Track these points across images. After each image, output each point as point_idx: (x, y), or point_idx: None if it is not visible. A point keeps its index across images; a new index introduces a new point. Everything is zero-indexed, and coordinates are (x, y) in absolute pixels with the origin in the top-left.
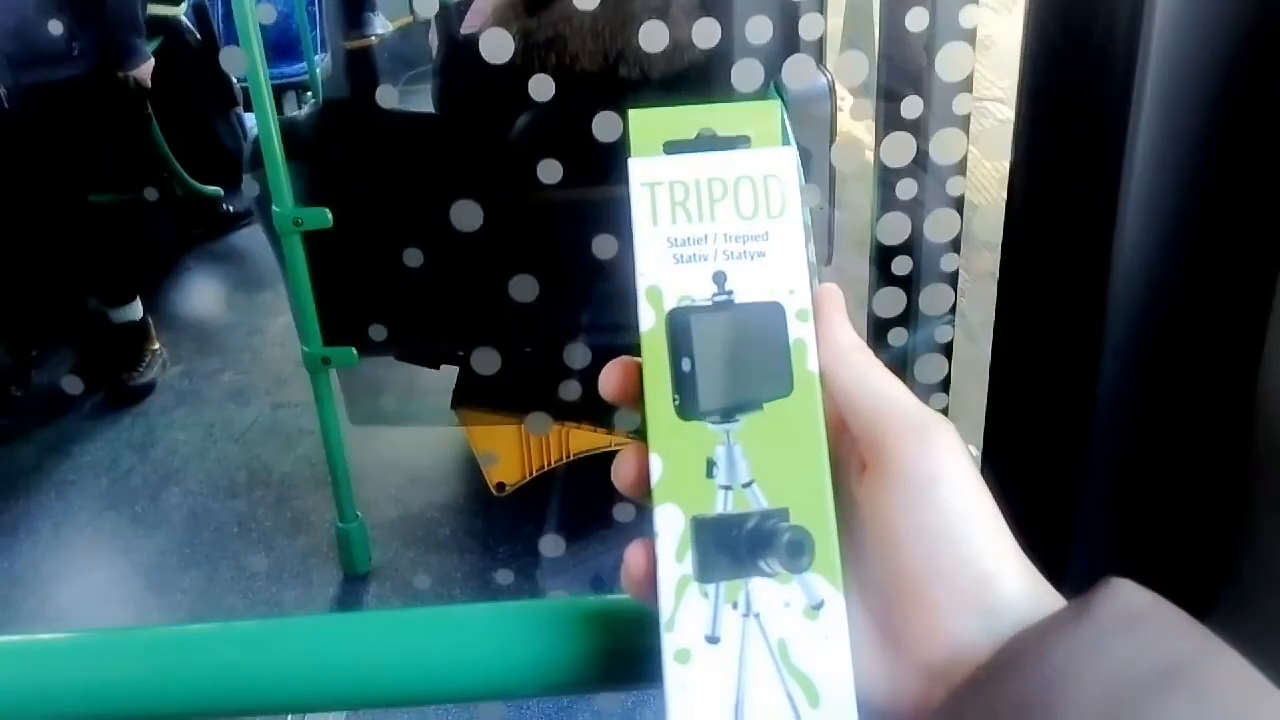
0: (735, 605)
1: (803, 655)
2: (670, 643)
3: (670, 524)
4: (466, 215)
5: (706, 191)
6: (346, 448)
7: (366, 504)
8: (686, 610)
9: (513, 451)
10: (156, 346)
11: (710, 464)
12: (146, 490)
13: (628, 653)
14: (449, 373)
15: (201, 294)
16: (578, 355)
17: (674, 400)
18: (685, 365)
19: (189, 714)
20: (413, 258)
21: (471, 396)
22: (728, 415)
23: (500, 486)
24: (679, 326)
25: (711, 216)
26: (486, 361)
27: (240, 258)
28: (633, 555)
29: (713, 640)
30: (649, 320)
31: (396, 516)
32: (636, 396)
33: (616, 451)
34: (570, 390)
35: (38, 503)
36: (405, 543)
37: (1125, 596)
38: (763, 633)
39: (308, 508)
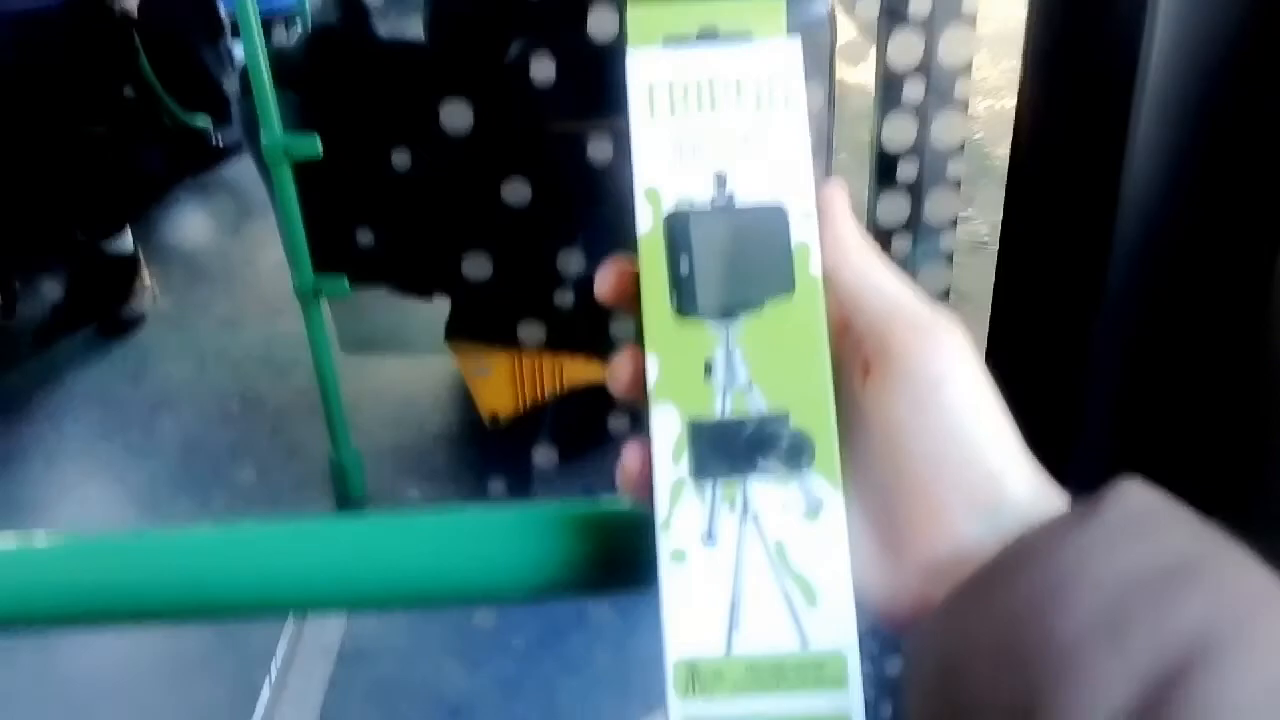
0: (732, 506)
1: (801, 557)
2: (666, 543)
3: (667, 425)
4: (455, 116)
5: (708, 89)
6: (340, 377)
7: (360, 433)
8: (683, 511)
9: (506, 382)
10: (147, 278)
11: (708, 366)
12: (139, 419)
13: (621, 556)
14: (442, 305)
15: (192, 226)
16: (570, 281)
17: (671, 299)
18: (683, 267)
19: (181, 615)
20: (403, 185)
21: (465, 327)
22: (727, 314)
23: (494, 418)
24: (678, 231)
25: (713, 114)
26: (479, 267)
27: (230, 190)
28: (629, 455)
29: (709, 541)
30: (646, 222)
31: (390, 446)
32: (633, 299)
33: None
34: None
35: (31, 432)
36: (399, 472)
37: (1135, 497)
38: (760, 534)
39: (301, 437)
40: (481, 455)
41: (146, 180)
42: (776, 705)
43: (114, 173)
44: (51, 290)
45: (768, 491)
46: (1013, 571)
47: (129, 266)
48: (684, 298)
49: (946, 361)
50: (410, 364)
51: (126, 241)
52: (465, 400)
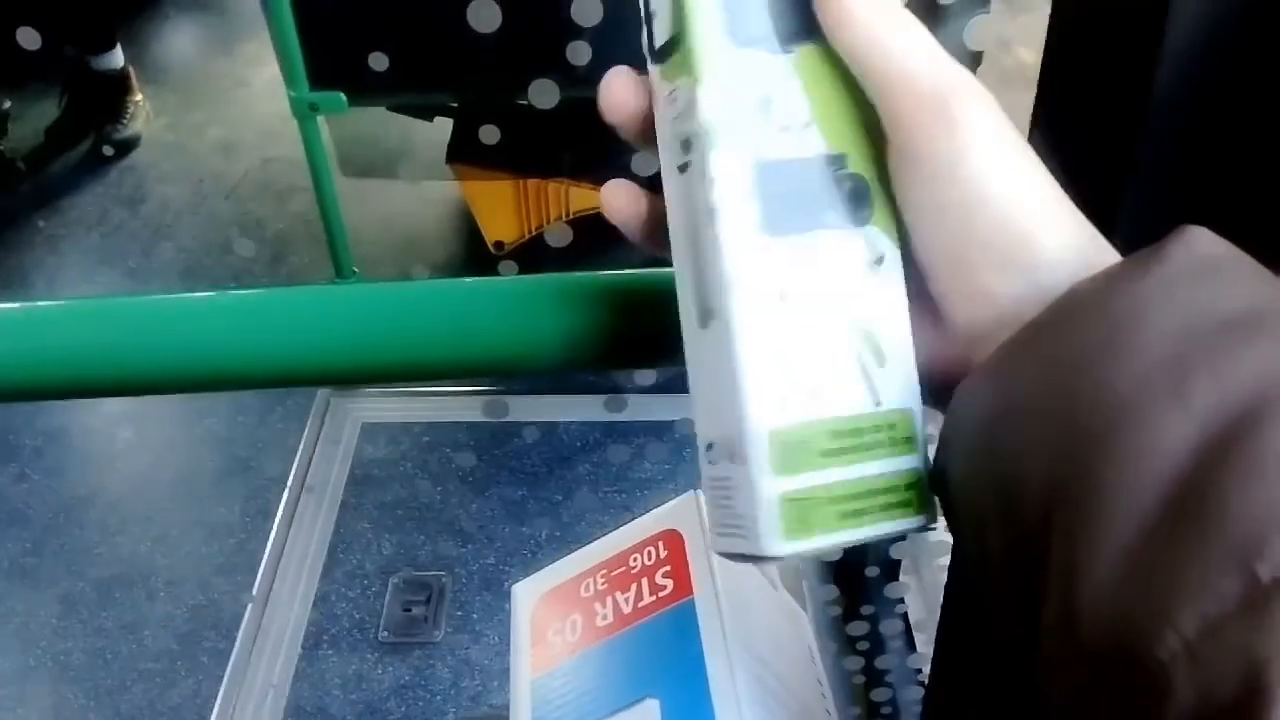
0: (804, 260)
1: (868, 313)
2: (739, 301)
3: (729, 169)
4: None
5: None
6: (340, 200)
7: (361, 262)
8: (754, 266)
9: (510, 209)
10: (139, 98)
11: (766, 101)
12: (138, 245)
13: (646, 330)
14: (444, 127)
15: (182, 44)
16: (585, 31)
17: (725, 23)
18: None
19: (200, 381)
20: None
21: (467, 151)
22: (787, 41)
23: (498, 245)
24: None
25: None
26: (486, 17)
27: (221, 5)
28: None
29: (783, 297)
30: None
31: (392, 276)
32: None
33: None
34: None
35: (30, 257)
36: None
37: (1201, 244)
38: (832, 291)
39: (303, 264)
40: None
41: None
42: (858, 471)
43: None
44: (44, 110)
45: (835, 243)
46: (1063, 322)
47: (121, 83)
48: (740, 21)
49: (962, 140)
50: (412, 192)
51: (117, 57)
52: (470, 229)
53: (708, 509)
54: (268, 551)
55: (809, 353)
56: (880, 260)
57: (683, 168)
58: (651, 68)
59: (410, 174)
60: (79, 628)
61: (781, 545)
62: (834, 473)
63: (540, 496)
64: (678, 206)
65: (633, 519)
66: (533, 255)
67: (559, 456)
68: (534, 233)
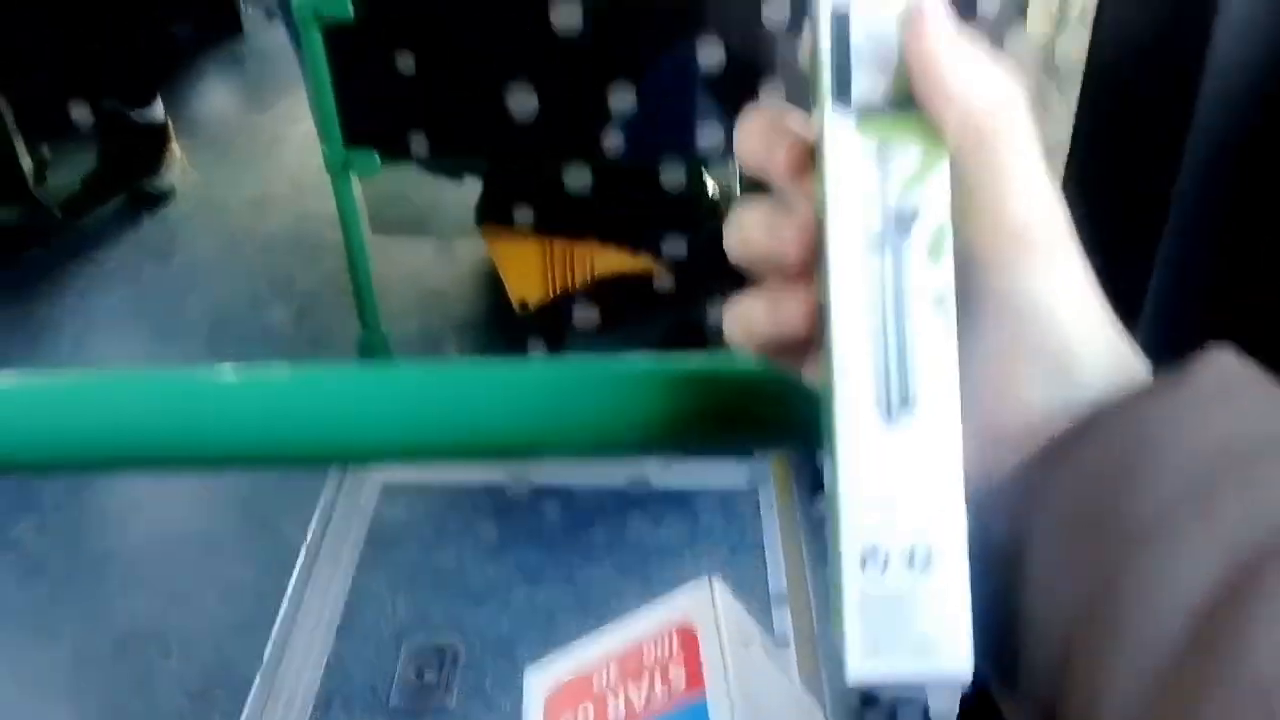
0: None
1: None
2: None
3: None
4: None
5: None
6: (370, 256)
7: (388, 317)
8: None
9: (536, 269)
10: (176, 150)
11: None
12: (169, 300)
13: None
14: (473, 187)
15: (221, 99)
16: (619, 121)
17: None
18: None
19: (224, 462)
20: (438, 52)
21: (496, 212)
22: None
23: (523, 305)
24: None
25: None
26: (524, 101)
27: (260, 63)
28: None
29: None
30: None
31: (417, 332)
32: (781, 158)
33: (643, 275)
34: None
35: (62, 305)
36: (426, 356)
37: (1227, 365)
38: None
39: (331, 321)
40: (510, 345)
41: (176, 47)
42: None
43: (144, 38)
44: (82, 160)
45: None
46: (1093, 438)
47: (159, 136)
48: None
49: (1042, 262)
50: (440, 249)
51: (158, 111)
52: (496, 287)
53: (850, 627)
54: (282, 611)
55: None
56: (943, 298)
57: (889, 239)
58: (832, 114)
59: (440, 232)
60: (92, 682)
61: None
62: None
63: (558, 561)
64: (873, 279)
65: (648, 589)
66: (556, 316)
67: (577, 523)
68: (559, 294)
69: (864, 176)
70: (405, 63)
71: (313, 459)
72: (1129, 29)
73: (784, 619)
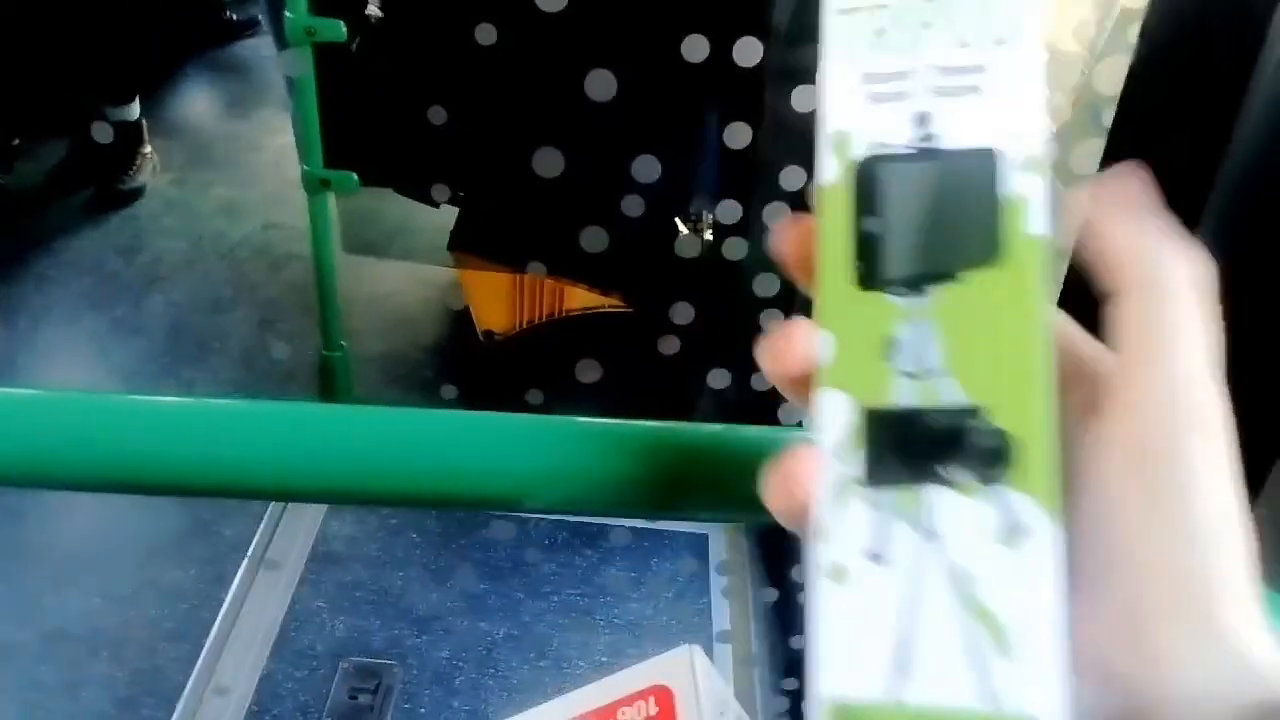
0: (910, 520)
1: (992, 590)
2: (823, 556)
3: (836, 414)
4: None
5: (916, 15)
6: (338, 275)
7: (350, 336)
8: (847, 520)
9: (504, 300)
10: (149, 150)
11: (890, 344)
12: (129, 294)
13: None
14: (448, 214)
15: (199, 104)
16: (587, 212)
17: (854, 266)
18: (871, 225)
19: (196, 484)
20: (428, 80)
21: (469, 240)
22: (914, 285)
23: (488, 334)
24: (867, 178)
25: (919, 47)
26: (551, 163)
27: (242, 70)
28: (795, 462)
29: (876, 558)
30: (831, 172)
31: (380, 353)
32: (809, 262)
33: (612, 312)
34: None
35: (18, 293)
36: (387, 379)
37: None
38: (943, 558)
39: (291, 332)
40: (472, 374)
41: (157, 48)
42: None
43: (129, 36)
44: (53, 151)
45: (957, 504)
46: None
47: (132, 134)
48: (868, 265)
49: (1203, 433)
50: (407, 273)
51: (134, 109)
52: (462, 317)
53: None
54: (218, 621)
55: (900, 625)
56: (1019, 533)
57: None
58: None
59: (411, 255)
60: (14, 679)
61: None
62: None
63: (502, 593)
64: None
65: (591, 628)
66: (520, 348)
67: (526, 555)
68: (525, 326)
69: None
70: (400, 92)
71: (255, 494)
72: (1164, 66)
73: (726, 661)
